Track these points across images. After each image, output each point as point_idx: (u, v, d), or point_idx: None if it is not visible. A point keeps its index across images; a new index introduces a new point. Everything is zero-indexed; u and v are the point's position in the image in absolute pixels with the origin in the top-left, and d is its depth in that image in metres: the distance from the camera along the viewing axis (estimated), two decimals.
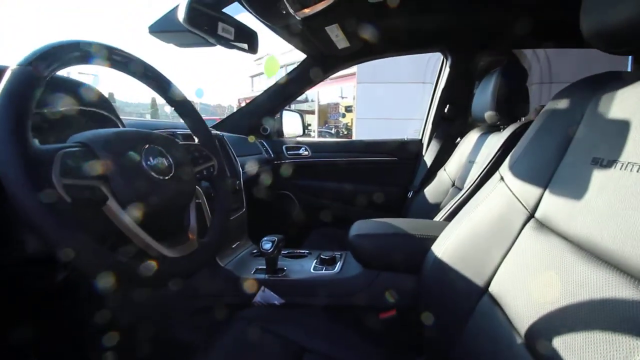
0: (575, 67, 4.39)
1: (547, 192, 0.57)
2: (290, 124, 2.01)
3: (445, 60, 1.57)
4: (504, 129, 1.15)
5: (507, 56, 1.69)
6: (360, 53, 1.51)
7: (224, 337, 0.70)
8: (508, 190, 0.65)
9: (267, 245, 0.86)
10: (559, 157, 0.57)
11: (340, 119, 12.94)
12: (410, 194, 1.63)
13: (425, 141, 1.71)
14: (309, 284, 0.89)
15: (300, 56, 1.61)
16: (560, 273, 0.46)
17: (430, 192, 1.49)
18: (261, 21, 1.06)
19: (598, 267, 0.41)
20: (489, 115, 1.14)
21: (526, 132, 0.68)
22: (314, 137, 11.59)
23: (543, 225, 0.56)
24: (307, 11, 0.99)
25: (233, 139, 1.45)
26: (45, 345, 0.78)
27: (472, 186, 1.02)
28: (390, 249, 0.86)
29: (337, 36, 1.26)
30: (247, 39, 1.03)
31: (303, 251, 1.06)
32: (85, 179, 0.45)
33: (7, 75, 0.41)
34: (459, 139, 1.52)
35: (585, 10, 0.52)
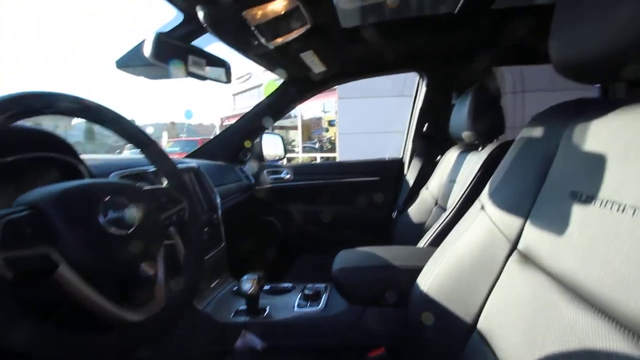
0: (546, 75, 4.60)
1: (527, 224, 0.56)
2: (271, 146, 1.98)
3: (421, 79, 1.59)
4: (482, 147, 1.16)
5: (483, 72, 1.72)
6: (338, 75, 1.52)
7: None
8: (489, 221, 0.64)
9: (246, 285, 0.81)
10: (537, 188, 0.56)
11: (324, 133, 13.01)
12: (394, 214, 1.62)
13: (406, 160, 1.71)
14: (292, 323, 0.84)
15: None
16: (548, 314, 0.44)
17: (414, 211, 1.48)
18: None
19: (586, 312, 0.39)
20: (466, 135, 1.15)
21: (503, 160, 0.67)
22: (299, 153, 11.59)
23: (527, 259, 0.54)
24: (280, 40, 0.98)
25: (211, 168, 1.41)
26: None
27: (455, 209, 1.01)
28: (375, 282, 0.83)
29: (313, 61, 1.25)
30: (219, 70, 1.00)
31: (286, 285, 1.02)
32: (31, 247, 0.40)
33: None
34: (439, 157, 1.52)
35: (553, 41, 0.52)
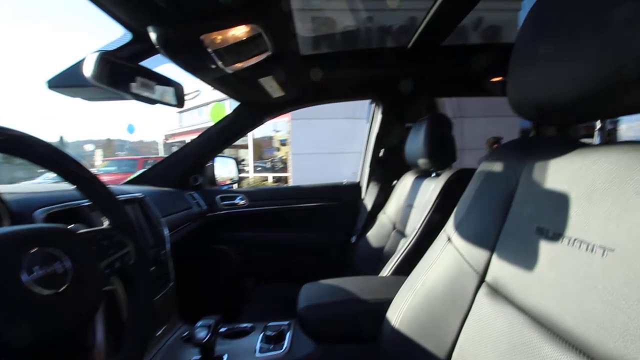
0: (480, 103, 5.12)
1: (494, 257, 0.57)
2: (224, 170, 1.89)
3: (377, 106, 1.65)
4: (436, 174, 1.21)
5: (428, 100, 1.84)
6: (296, 101, 1.51)
7: None
8: (457, 253, 0.64)
9: (201, 333, 0.72)
10: (501, 222, 0.57)
11: (275, 152, 12.94)
12: (353, 239, 1.61)
13: (363, 184, 1.74)
14: None
15: None
16: (526, 351, 0.45)
17: (373, 236, 1.49)
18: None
19: (563, 351, 0.40)
20: (422, 162, 1.20)
21: (466, 192, 0.69)
22: (249, 173, 11.33)
23: (496, 292, 0.55)
24: (239, 66, 0.94)
25: (158, 195, 1.29)
26: None
27: (416, 236, 1.03)
28: (344, 319, 0.80)
29: (272, 87, 1.22)
30: (170, 93, 0.93)
31: (245, 325, 0.94)
32: None
33: None
34: (395, 181, 1.57)
35: (510, 83, 0.55)
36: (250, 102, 1.49)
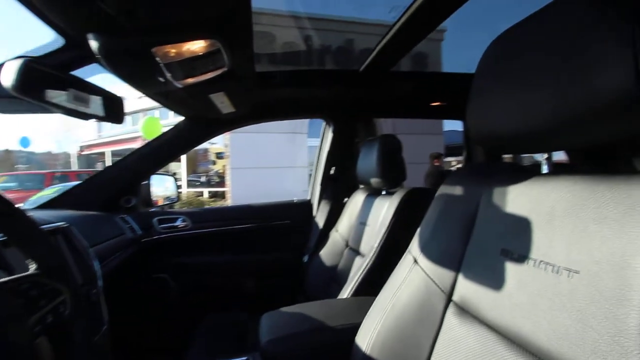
0: (410, 121, 5.58)
1: (460, 276, 0.60)
2: (161, 189, 1.72)
3: (327, 125, 1.67)
4: (386, 192, 1.26)
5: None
6: (246, 117, 1.45)
7: None
8: (424, 274, 0.66)
9: None
10: (464, 243, 0.61)
11: (211, 166, 12.33)
12: (305, 258, 1.59)
13: (314, 202, 1.73)
14: None
15: None
16: None
17: (326, 254, 1.48)
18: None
19: None
20: (375, 181, 1.24)
21: (428, 214, 0.72)
22: (182, 187, 10.59)
23: (465, 312, 0.57)
24: (191, 81, 0.87)
25: (83, 221, 1.12)
26: None
27: (374, 255, 1.05)
28: (311, 350, 0.76)
29: (223, 102, 1.16)
30: (108, 107, 0.81)
31: None
32: None
33: None
34: (346, 199, 1.59)
35: (469, 114, 0.59)
36: (196, 117, 1.40)
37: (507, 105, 0.50)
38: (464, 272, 0.60)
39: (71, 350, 0.47)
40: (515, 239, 0.51)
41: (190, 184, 11.16)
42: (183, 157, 11.39)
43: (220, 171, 11.40)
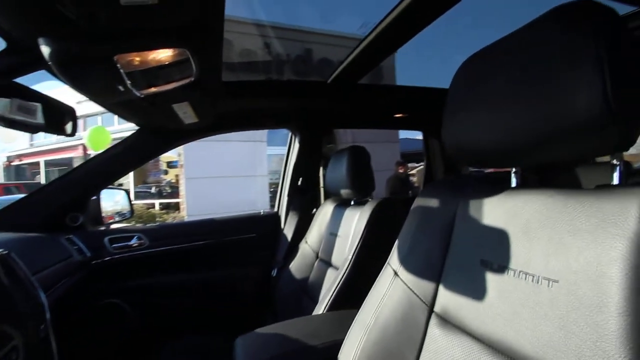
0: (368, 131, 5.76)
1: (441, 287, 0.61)
2: (112, 204, 1.57)
3: (294, 136, 1.66)
4: (355, 202, 1.27)
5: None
6: (210, 128, 1.39)
7: None
8: (405, 286, 0.67)
9: None
10: (443, 254, 0.62)
11: (162, 176, 11.60)
12: (274, 272, 1.54)
13: (282, 213, 1.70)
14: None
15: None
16: None
17: (296, 267, 1.45)
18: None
19: None
20: (345, 192, 1.25)
21: (405, 226, 0.73)
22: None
23: (447, 322, 0.59)
24: (155, 90, 0.81)
25: (21, 244, 0.99)
26: None
27: (349, 268, 1.04)
28: None
29: (186, 113, 1.10)
30: (57, 119, 0.73)
31: None
32: None
33: None
34: (314, 209, 1.58)
35: (444, 128, 0.61)
36: (155, 127, 1.30)
37: (478, 122, 0.52)
38: (444, 283, 0.61)
39: None
40: (494, 250, 0.53)
41: (139, 195, 10.39)
42: None
43: (173, 181, 10.78)
